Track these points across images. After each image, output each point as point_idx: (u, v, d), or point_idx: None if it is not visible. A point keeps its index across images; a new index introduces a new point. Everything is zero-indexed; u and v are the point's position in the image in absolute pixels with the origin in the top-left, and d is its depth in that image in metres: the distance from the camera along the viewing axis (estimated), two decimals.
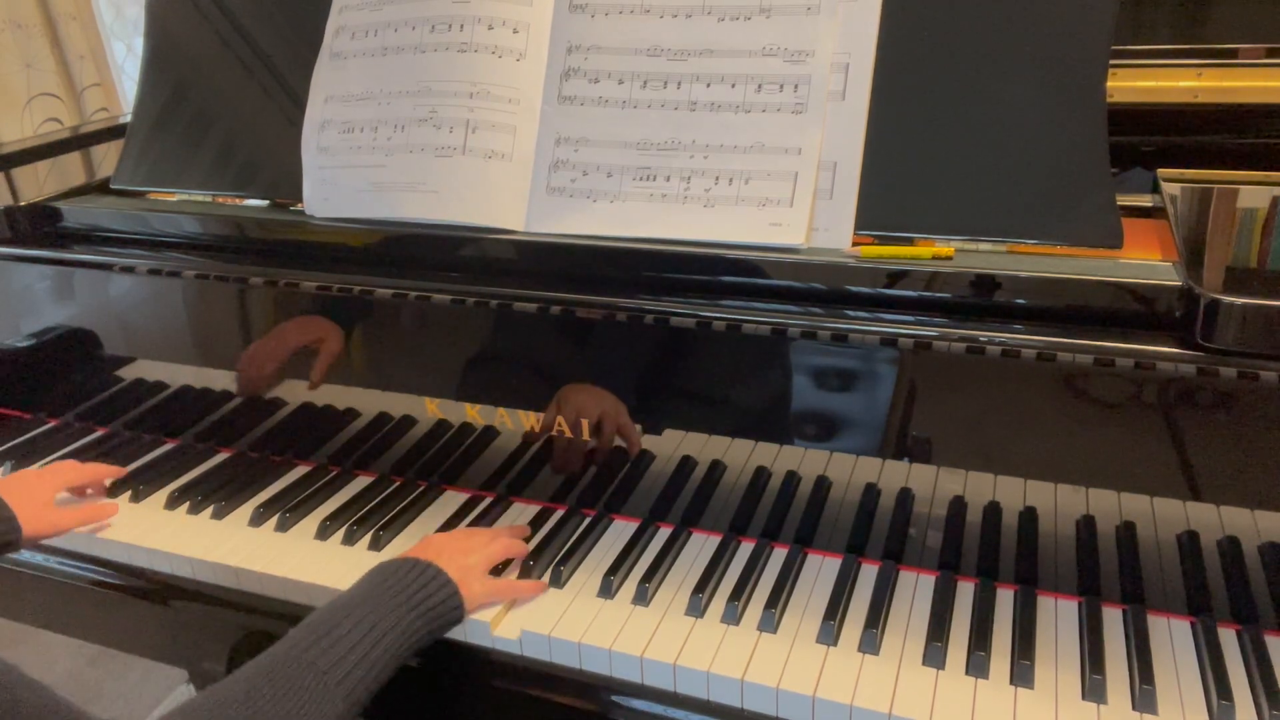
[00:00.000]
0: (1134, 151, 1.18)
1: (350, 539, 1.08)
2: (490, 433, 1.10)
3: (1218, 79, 1.16)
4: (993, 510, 0.92)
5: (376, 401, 1.14)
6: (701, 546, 1.04)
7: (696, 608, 0.94)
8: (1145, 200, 1.04)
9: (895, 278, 0.90)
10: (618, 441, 1.04)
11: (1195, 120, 1.18)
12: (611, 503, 1.10)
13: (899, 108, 0.93)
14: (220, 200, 1.23)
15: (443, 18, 1.05)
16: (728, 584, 0.98)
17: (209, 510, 1.14)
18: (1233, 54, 1.18)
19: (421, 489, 1.16)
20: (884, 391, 0.91)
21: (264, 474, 1.21)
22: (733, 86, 0.97)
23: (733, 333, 0.93)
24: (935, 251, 0.91)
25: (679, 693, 0.90)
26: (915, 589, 0.96)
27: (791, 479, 0.99)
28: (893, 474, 0.94)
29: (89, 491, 1.18)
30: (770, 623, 0.92)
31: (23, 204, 1.23)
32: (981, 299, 0.88)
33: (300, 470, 1.22)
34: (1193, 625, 0.90)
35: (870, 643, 0.89)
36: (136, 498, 1.18)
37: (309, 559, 1.05)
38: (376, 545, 1.07)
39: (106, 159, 1.50)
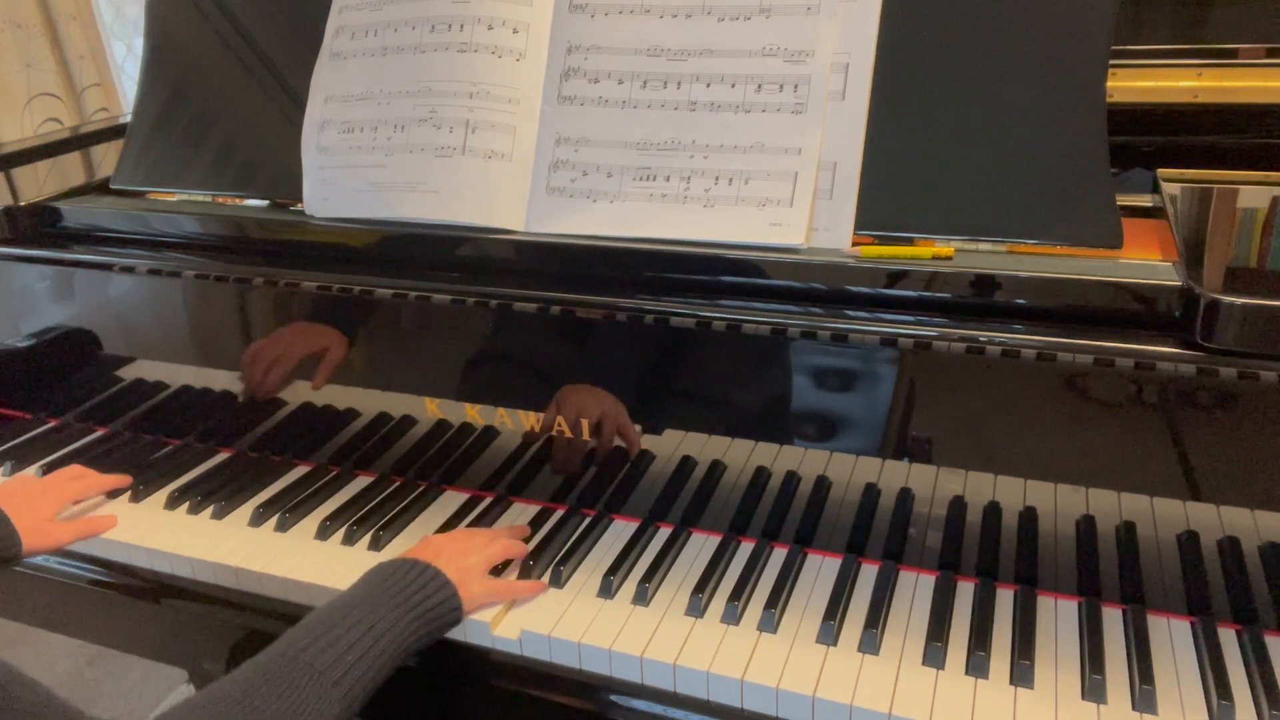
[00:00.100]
0: (1134, 151, 1.18)
1: (350, 539, 1.08)
2: (490, 433, 1.10)
3: (1218, 79, 1.16)
4: (993, 510, 0.92)
5: (376, 401, 1.14)
6: (701, 546, 1.04)
7: (696, 608, 0.94)
8: (1145, 200, 1.04)
9: (895, 278, 0.90)
10: (617, 441, 1.04)
11: (1195, 120, 1.18)
12: (611, 503, 1.10)
13: (899, 108, 0.93)
14: (220, 200, 1.23)
15: (443, 18, 1.05)
16: (728, 584, 0.98)
17: (209, 510, 1.14)
18: (1233, 54, 1.18)
19: (421, 489, 1.16)
20: (884, 391, 0.91)
21: (264, 474, 1.21)
22: (733, 86, 0.97)
23: (733, 333, 0.93)
24: (935, 251, 0.91)
25: (679, 693, 0.90)
26: (915, 589, 0.96)
27: (791, 479, 0.99)
28: (893, 474, 0.94)
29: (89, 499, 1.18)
30: (770, 623, 0.92)
31: (23, 204, 1.23)
32: (981, 299, 0.88)
33: (300, 470, 1.22)
34: (1193, 625, 0.90)
35: (870, 643, 0.89)
36: (136, 498, 1.18)
37: (309, 559, 1.05)
38: (376, 545, 1.07)
39: (106, 159, 1.50)
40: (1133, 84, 1.18)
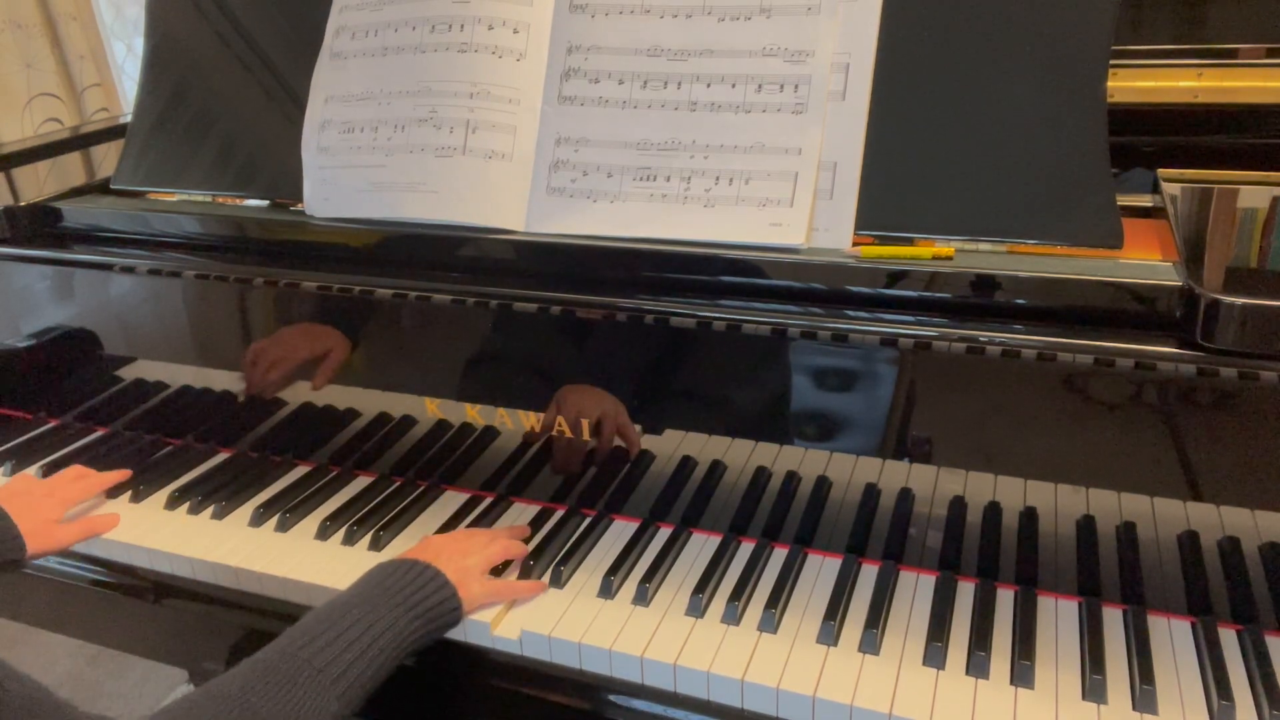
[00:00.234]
0: (1134, 151, 1.18)
1: (350, 539, 1.08)
2: (490, 433, 1.10)
3: (1218, 79, 1.16)
4: (993, 510, 0.92)
5: (377, 401, 1.14)
6: (702, 547, 1.04)
7: (696, 608, 0.94)
8: (1145, 200, 1.04)
9: (895, 278, 0.90)
10: (618, 442, 1.04)
11: (1195, 120, 1.18)
12: (611, 503, 1.10)
13: (899, 108, 0.93)
14: (220, 200, 1.23)
15: (443, 18, 1.05)
16: (728, 584, 0.98)
17: (209, 510, 1.14)
18: (1233, 54, 1.18)
19: (421, 489, 1.16)
20: (884, 391, 0.91)
21: (264, 474, 1.21)
22: (733, 86, 0.97)
23: (733, 333, 0.93)
24: (935, 251, 0.91)
25: (679, 693, 0.90)
26: (915, 589, 0.96)
27: (792, 479, 0.99)
28: (893, 474, 0.94)
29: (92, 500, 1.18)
30: (770, 623, 0.92)
31: (23, 204, 1.23)
32: (981, 299, 0.88)
33: (300, 470, 1.22)
34: (1193, 625, 0.90)
35: (870, 643, 0.89)
36: (137, 498, 1.18)
37: (309, 559, 1.05)
38: (376, 545, 1.07)
39: (106, 159, 1.50)
40: (1133, 84, 1.18)
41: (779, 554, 1.02)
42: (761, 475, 1.00)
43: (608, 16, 1.01)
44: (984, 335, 0.85)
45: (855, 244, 0.93)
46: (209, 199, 1.23)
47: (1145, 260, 0.89)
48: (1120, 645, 0.88)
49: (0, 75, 2.26)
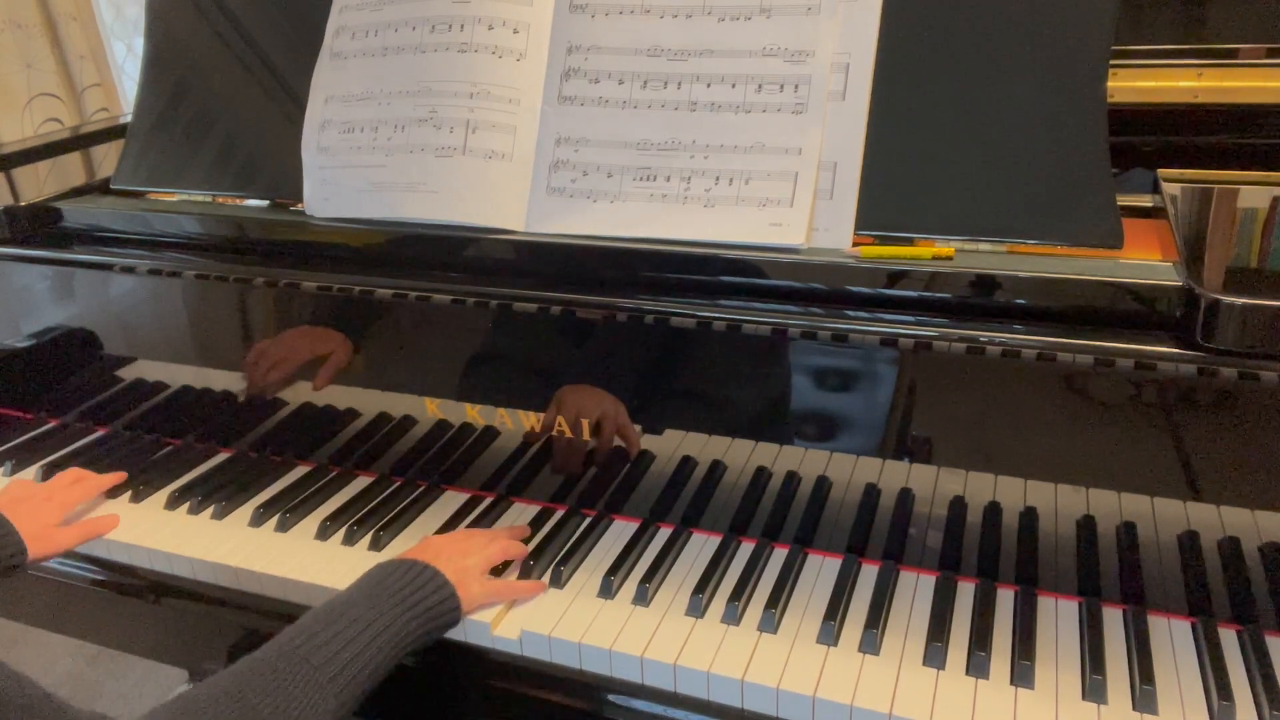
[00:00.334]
0: (1134, 151, 1.18)
1: (350, 539, 1.08)
2: (490, 433, 1.10)
3: (1218, 79, 1.16)
4: (993, 510, 0.92)
5: (377, 401, 1.14)
6: (702, 547, 1.04)
7: (697, 608, 0.94)
8: (1145, 200, 1.04)
9: (895, 278, 0.90)
10: (618, 442, 1.04)
11: (1195, 120, 1.18)
12: (611, 503, 1.10)
13: (899, 108, 0.93)
14: (220, 200, 1.23)
15: (443, 18, 1.05)
16: (728, 584, 0.98)
17: (209, 510, 1.14)
18: (1233, 54, 1.18)
19: (422, 489, 1.16)
20: (884, 392, 0.91)
21: (264, 474, 1.21)
22: (733, 87, 0.97)
23: (733, 333, 0.93)
24: (935, 251, 0.91)
25: (679, 693, 0.90)
26: (915, 589, 0.96)
27: (792, 479, 0.99)
28: (893, 474, 0.94)
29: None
30: (770, 623, 0.92)
31: (23, 204, 1.23)
32: (981, 299, 0.88)
33: (300, 470, 1.22)
34: (1193, 625, 0.90)
35: (870, 643, 0.89)
36: (137, 498, 1.18)
37: (309, 559, 1.05)
38: (377, 546, 1.07)
39: (106, 159, 1.50)
40: (1133, 84, 1.18)
41: (779, 554, 1.02)
42: (761, 475, 1.00)
43: (608, 16, 1.01)
44: (984, 335, 0.85)
45: (855, 244, 0.93)
46: (209, 199, 1.23)
47: (1145, 260, 0.89)
48: (1120, 645, 0.88)
49: (0, 75, 2.26)
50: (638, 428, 1.02)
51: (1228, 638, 0.88)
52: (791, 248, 0.94)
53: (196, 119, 1.23)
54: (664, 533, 1.06)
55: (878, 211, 0.93)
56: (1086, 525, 0.89)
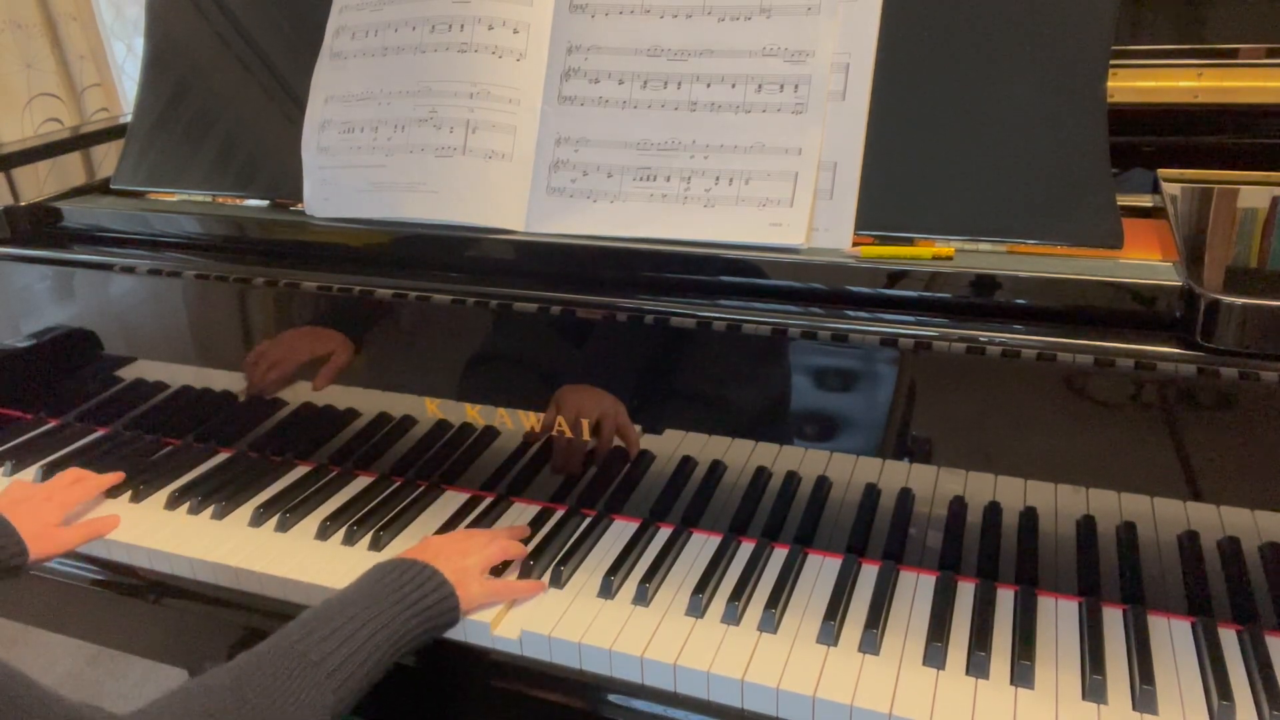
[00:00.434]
0: (1134, 151, 1.18)
1: (350, 539, 1.08)
2: (490, 433, 1.10)
3: (1218, 79, 1.16)
4: (993, 510, 0.92)
5: (376, 401, 1.14)
6: (702, 547, 1.04)
7: (696, 608, 0.94)
8: (1145, 200, 1.04)
9: (895, 278, 0.90)
10: (617, 442, 1.04)
11: (1195, 120, 1.18)
12: (611, 503, 1.09)
13: (899, 108, 0.93)
14: (220, 200, 1.23)
15: (443, 18, 1.05)
16: (728, 584, 0.98)
17: (209, 510, 1.14)
18: (1233, 54, 1.18)
19: (421, 489, 1.16)
20: (884, 391, 0.91)
21: (264, 474, 1.21)
22: (733, 87, 0.97)
23: (733, 333, 0.93)
24: (935, 251, 0.91)
25: (679, 693, 0.90)
26: (915, 589, 0.96)
27: (792, 479, 0.99)
28: (893, 474, 0.94)
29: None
30: (770, 623, 0.92)
31: (23, 204, 1.23)
32: (982, 299, 0.88)
33: (300, 470, 1.22)
34: (1193, 625, 0.90)
35: (870, 643, 0.89)
36: (137, 498, 1.18)
37: (309, 559, 1.05)
38: (377, 546, 1.07)
39: (106, 159, 1.50)
40: (1133, 84, 1.18)
41: (779, 554, 1.02)
42: (761, 475, 1.00)
43: (608, 16, 1.01)
44: (984, 335, 0.85)
45: (855, 244, 0.93)
46: (209, 199, 1.23)
47: (1145, 260, 0.89)
48: (1120, 645, 0.88)
49: (0, 75, 2.26)
50: (638, 428, 1.02)
51: (1228, 638, 0.88)
52: (791, 248, 0.94)
53: (196, 119, 1.23)
54: (664, 533, 1.06)
55: (878, 211, 0.93)
56: (1086, 525, 0.89)
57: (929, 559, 0.98)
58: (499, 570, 1.00)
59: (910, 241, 0.93)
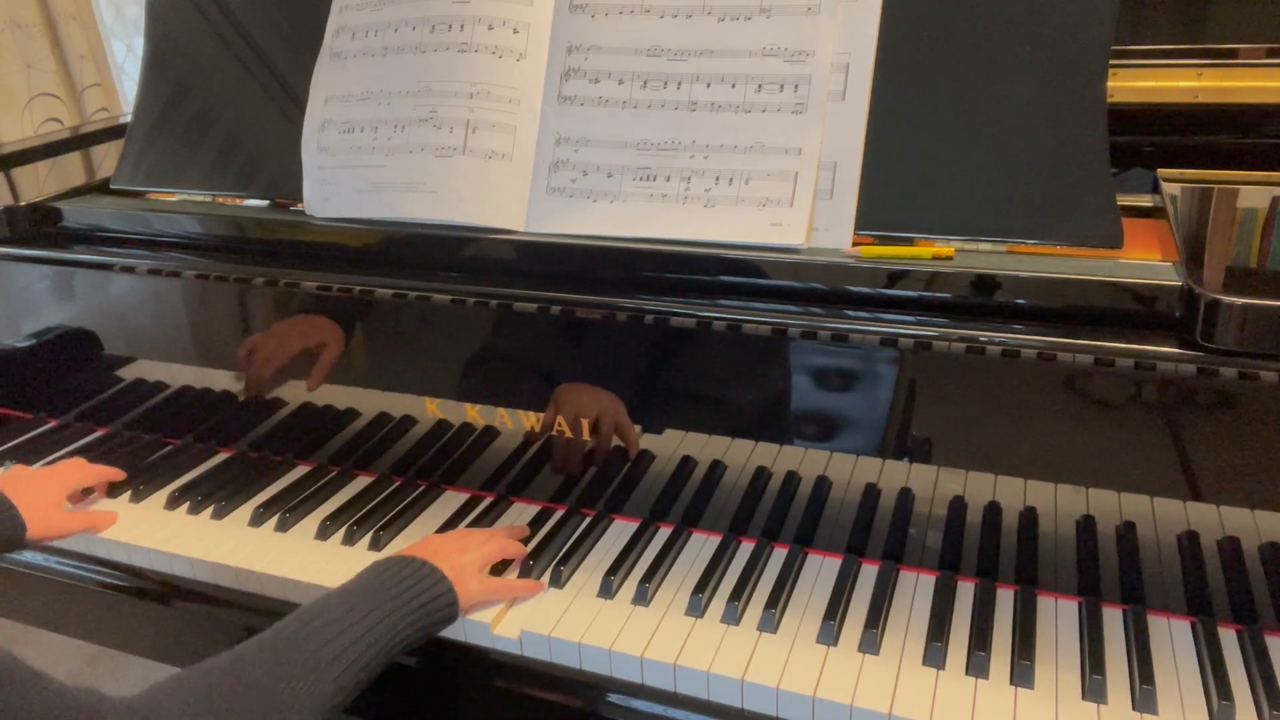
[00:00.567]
0: (1134, 151, 1.18)
1: (350, 539, 1.08)
2: (490, 433, 1.10)
3: (1218, 79, 1.16)
4: (993, 510, 0.92)
5: (376, 401, 1.14)
6: (701, 546, 1.04)
7: (696, 608, 0.94)
8: (1145, 200, 1.04)
9: (895, 278, 0.90)
10: (617, 441, 1.04)
11: (1195, 120, 1.18)
12: (611, 503, 1.09)
13: (899, 108, 0.93)
14: (220, 200, 1.23)
15: (443, 18, 1.05)
16: (728, 584, 0.98)
17: (209, 510, 1.14)
18: (1233, 54, 1.18)
19: (421, 489, 1.16)
20: (884, 391, 0.91)
21: (264, 474, 1.21)
22: (733, 86, 0.97)
23: (733, 333, 0.93)
24: (935, 251, 0.91)
25: (679, 693, 0.90)
26: (915, 589, 0.96)
27: (791, 479, 0.99)
28: (893, 474, 0.94)
29: (94, 494, 1.18)
30: (770, 623, 0.92)
31: (23, 204, 1.23)
32: (982, 299, 0.88)
33: (300, 470, 1.22)
34: (1193, 625, 0.90)
35: (870, 643, 0.89)
36: (136, 498, 1.18)
37: (309, 559, 1.05)
38: (376, 545, 1.07)
39: (106, 159, 1.50)
40: (1133, 84, 1.18)
41: (779, 554, 1.02)
42: (761, 475, 1.00)
43: (608, 16, 1.01)
44: (984, 335, 0.85)
45: (855, 244, 0.93)
46: (209, 199, 1.23)
47: (1145, 260, 0.89)
48: (1120, 645, 0.88)
49: (0, 75, 2.26)
50: (638, 428, 1.02)
51: (1228, 638, 0.88)
52: (791, 248, 0.94)
53: (196, 119, 1.23)
54: (664, 532, 1.06)
55: (878, 211, 0.93)
56: (1086, 525, 0.89)
57: (929, 559, 0.98)
58: (499, 570, 1.00)
59: (910, 241, 0.93)
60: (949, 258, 0.90)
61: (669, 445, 1.02)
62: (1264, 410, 0.79)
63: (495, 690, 0.96)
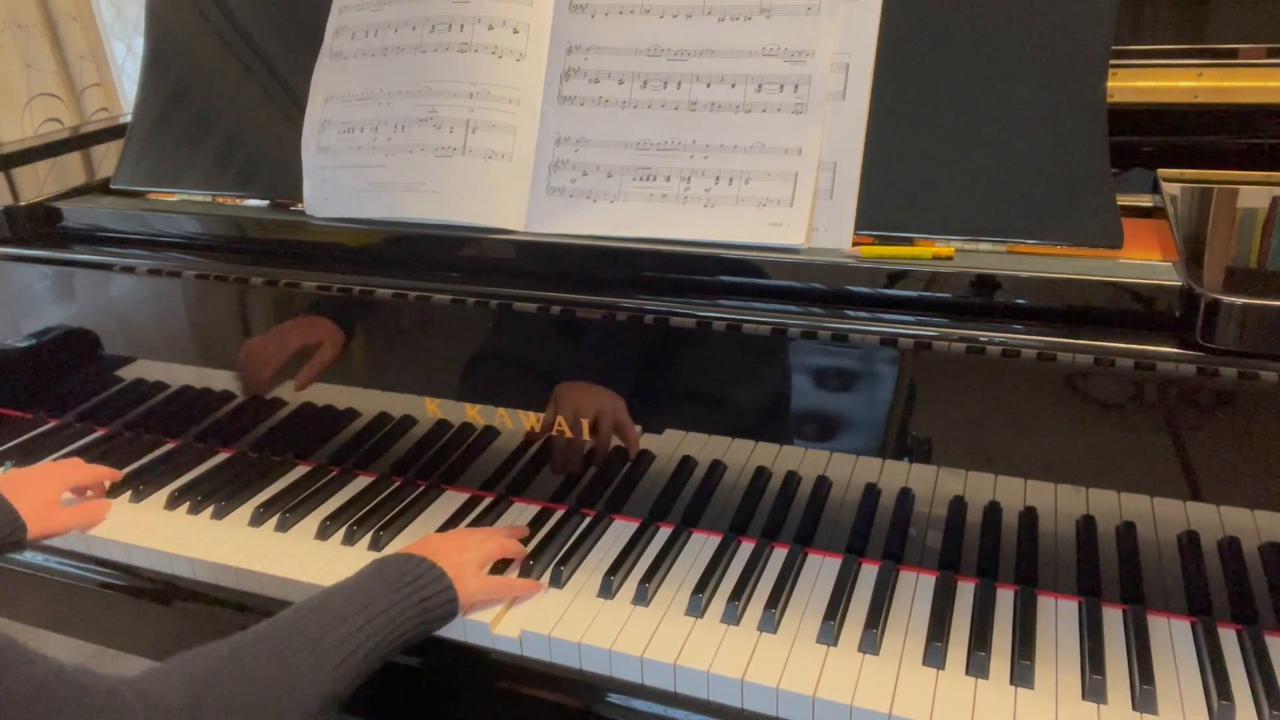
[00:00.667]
0: (1134, 151, 1.18)
1: (350, 539, 1.08)
2: (490, 433, 1.10)
3: (1218, 79, 1.16)
4: (993, 510, 0.92)
5: (376, 401, 1.14)
6: (701, 546, 1.04)
7: (696, 608, 0.94)
8: (1145, 200, 1.04)
9: (895, 278, 0.90)
10: (617, 441, 1.04)
11: (1195, 120, 1.18)
12: (611, 503, 1.09)
13: (899, 108, 0.93)
14: (220, 200, 1.23)
15: (443, 18, 1.05)
16: (728, 584, 0.98)
17: (209, 510, 1.14)
18: (1233, 54, 1.18)
19: (421, 489, 1.16)
20: (884, 391, 0.91)
21: (264, 474, 1.21)
22: (733, 86, 0.97)
23: (733, 333, 0.93)
24: (935, 251, 0.91)
25: (679, 693, 0.90)
26: (915, 589, 0.96)
27: (791, 479, 0.99)
28: (893, 474, 0.94)
29: (89, 492, 1.18)
30: (770, 623, 0.92)
31: (23, 204, 1.23)
32: (982, 299, 0.88)
33: (300, 470, 1.22)
34: (1193, 625, 0.90)
35: (870, 643, 0.89)
36: (136, 498, 1.18)
37: (309, 559, 1.05)
38: (376, 545, 1.07)
39: (106, 159, 1.50)
40: (1133, 84, 1.18)
41: (779, 554, 1.02)
42: (761, 475, 1.00)
43: (608, 16, 1.01)
44: (984, 335, 0.85)
45: (855, 244, 0.93)
46: (209, 199, 1.23)
47: (1145, 260, 0.89)
48: (1120, 645, 0.88)
49: (0, 75, 2.26)
50: (638, 428, 1.02)
51: (1228, 638, 0.88)
52: (791, 248, 0.94)
53: (196, 119, 1.23)
54: (664, 532, 1.06)
55: (878, 211, 0.93)
56: (1086, 525, 0.89)
57: (929, 559, 0.98)
58: (499, 570, 1.00)
59: (910, 241, 0.93)
60: (949, 258, 0.90)
61: (669, 445, 1.02)
62: (1264, 410, 0.79)
63: (495, 690, 0.96)
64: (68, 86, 2.42)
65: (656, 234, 0.98)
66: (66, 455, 1.27)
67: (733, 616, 0.93)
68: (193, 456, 1.25)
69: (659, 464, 1.04)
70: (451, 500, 1.15)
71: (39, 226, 1.24)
